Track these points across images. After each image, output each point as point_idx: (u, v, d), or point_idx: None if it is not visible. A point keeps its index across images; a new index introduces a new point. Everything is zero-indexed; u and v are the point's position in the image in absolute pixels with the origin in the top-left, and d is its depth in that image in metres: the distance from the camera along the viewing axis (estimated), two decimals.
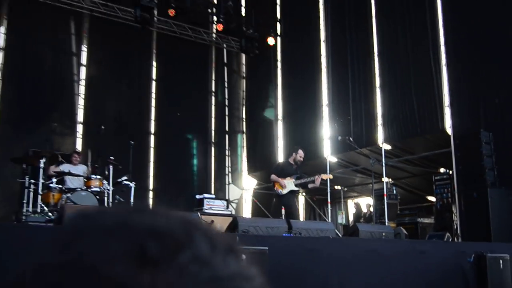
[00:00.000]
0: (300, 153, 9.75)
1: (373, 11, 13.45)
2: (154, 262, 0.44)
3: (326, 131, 14.37)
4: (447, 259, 6.78)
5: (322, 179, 9.72)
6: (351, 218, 15.75)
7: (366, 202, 14.82)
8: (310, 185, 9.59)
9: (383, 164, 11.94)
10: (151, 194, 15.57)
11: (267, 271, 4.76)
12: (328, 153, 14.09)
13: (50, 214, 9.44)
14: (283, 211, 13.67)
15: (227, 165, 17.31)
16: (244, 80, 17.94)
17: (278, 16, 16.57)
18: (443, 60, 11.62)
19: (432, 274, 6.42)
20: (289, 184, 9.34)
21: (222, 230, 9.82)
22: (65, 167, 10.57)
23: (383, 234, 7.54)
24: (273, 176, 9.59)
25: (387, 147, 12.72)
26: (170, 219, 0.50)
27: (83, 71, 15.21)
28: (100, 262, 0.43)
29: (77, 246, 0.46)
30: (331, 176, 10.38)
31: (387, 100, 12.83)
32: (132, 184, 10.71)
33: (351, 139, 11.26)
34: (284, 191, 9.32)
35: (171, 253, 0.45)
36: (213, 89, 17.53)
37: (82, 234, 0.47)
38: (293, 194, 9.53)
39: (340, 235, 10.53)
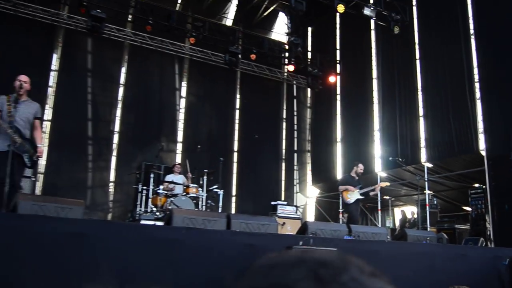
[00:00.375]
0: (360, 166, 9.55)
1: (417, 54, 13.15)
2: (325, 282, 0.54)
3: (377, 152, 14.10)
4: (485, 262, 6.47)
5: (381, 187, 9.55)
6: (397, 223, 15.31)
7: (410, 210, 14.39)
8: (371, 193, 9.38)
9: (426, 180, 11.61)
10: (234, 199, 15.60)
11: None
12: (379, 169, 13.81)
13: (157, 213, 9.70)
14: (340, 216, 13.41)
15: (295, 177, 17.20)
16: (310, 109, 17.86)
17: (338, 58, 16.45)
18: (477, 94, 11.21)
19: (472, 274, 6.14)
20: (355, 193, 9.10)
21: (293, 231, 9.77)
22: (169, 177, 10.78)
23: (428, 238, 7.24)
24: (341, 187, 9.34)
25: (429, 165, 12.34)
26: (330, 254, 0.59)
27: (182, 102, 15.55)
28: (292, 282, 0.54)
29: (275, 273, 0.57)
30: (388, 184, 10.12)
31: (429, 127, 12.45)
32: (221, 192, 10.75)
33: (400, 159, 10.97)
34: (352, 200, 9.08)
35: (335, 276, 0.55)
36: (284, 116, 17.53)
37: (276, 266, 0.58)
38: (358, 202, 9.27)
39: (389, 238, 10.25)
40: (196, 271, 4.51)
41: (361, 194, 9.19)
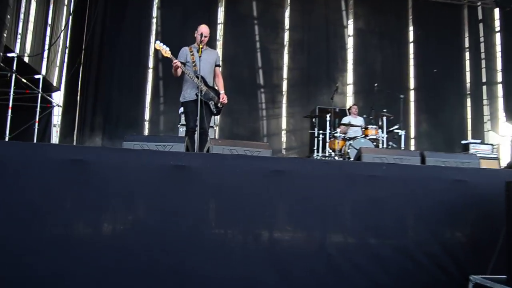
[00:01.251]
0: None
1: None
2: None
3: None
4: None
5: None
6: None
7: None
8: None
9: None
10: (412, 141, 14.14)
11: None
12: None
13: (336, 157, 9.26)
14: None
15: (485, 113, 14.77)
16: (500, 34, 14.91)
17: None
18: None
19: None
20: None
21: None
22: (346, 119, 10.31)
23: None
24: None
25: None
26: None
27: (350, 41, 14.27)
28: None
29: None
30: None
31: None
32: (402, 132, 9.95)
33: None
34: None
35: None
36: (467, 45, 14.97)
37: None
38: None
39: None
40: (398, 206, 4.20)
41: None
